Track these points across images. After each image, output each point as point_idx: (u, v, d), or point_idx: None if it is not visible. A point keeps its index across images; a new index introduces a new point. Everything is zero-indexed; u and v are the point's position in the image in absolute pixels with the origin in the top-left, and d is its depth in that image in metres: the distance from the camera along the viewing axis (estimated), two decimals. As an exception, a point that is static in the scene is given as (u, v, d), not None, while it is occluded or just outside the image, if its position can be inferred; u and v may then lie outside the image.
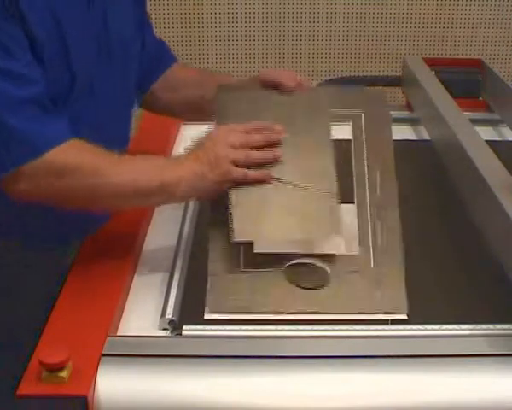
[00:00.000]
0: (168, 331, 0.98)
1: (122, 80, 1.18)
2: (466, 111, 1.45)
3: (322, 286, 1.04)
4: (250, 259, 1.05)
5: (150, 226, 1.25)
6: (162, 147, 1.46)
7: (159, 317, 1.00)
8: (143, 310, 1.03)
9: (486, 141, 1.27)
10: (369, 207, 1.12)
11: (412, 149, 1.51)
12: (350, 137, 1.19)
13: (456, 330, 0.97)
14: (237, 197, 1.06)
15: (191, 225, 1.22)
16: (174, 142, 1.53)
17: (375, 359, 0.90)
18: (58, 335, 0.93)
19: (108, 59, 1.13)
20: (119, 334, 0.98)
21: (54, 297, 1.01)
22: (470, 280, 1.10)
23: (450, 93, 1.53)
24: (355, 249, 1.08)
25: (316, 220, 1.06)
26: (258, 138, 1.09)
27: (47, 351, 0.86)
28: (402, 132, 1.56)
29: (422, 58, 1.80)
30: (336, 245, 1.08)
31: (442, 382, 0.88)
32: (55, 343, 0.89)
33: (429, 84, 1.60)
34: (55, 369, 0.84)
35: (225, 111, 1.16)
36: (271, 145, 1.10)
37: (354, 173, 1.16)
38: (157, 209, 1.28)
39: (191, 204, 1.28)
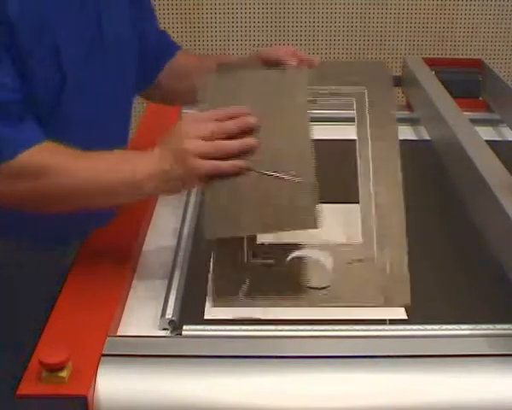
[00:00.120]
0: (168, 331, 0.98)
1: (118, 80, 1.17)
2: (466, 111, 1.45)
3: (326, 287, 1.04)
4: (254, 249, 1.05)
5: (150, 226, 1.25)
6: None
7: (159, 317, 1.00)
8: (143, 310, 1.03)
9: (486, 141, 1.27)
10: (373, 195, 1.10)
11: (412, 149, 1.51)
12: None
13: (456, 330, 0.97)
14: (209, 191, 1.02)
15: (191, 224, 1.22)
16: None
17: (375, 359, 0.90)
18: (58, 335, 0.93)
19: (102, 59, 1.12)
20: (119, 334, 0.98)
21: (54, 297, 1.01)
22: (470, 280, 1.10)
23: (450, 93, 1.53)
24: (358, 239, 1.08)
25: (292, 213, 1.01)
26: (230, 127, 1.01)
27: (47, 351, 0.86)
28: (402, 132, 1.56)
29: (422, 58, 1.80)
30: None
31: (442, 382, 0.88)
32: (55, 343, 0.89)
33: (429, 84, 1.60)
34: (55, 369, 0.84)
35: (205, 96, 1.08)
36: (246, 132, 1.02)
37: (359, 160, 1.13)
38: (157, 209, 1.28)
39: (191, 204, 1.28)
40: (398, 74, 1.81)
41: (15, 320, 1.15)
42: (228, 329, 0.97)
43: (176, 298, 1.03)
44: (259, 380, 0.88)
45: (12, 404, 0.84)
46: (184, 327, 0.97)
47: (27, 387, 0.85)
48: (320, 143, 1.53)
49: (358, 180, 1.12)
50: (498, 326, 0.97)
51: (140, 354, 0.90)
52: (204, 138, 1.00)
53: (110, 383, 0.87)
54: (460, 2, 2.66)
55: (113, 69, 1.15)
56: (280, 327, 0.97)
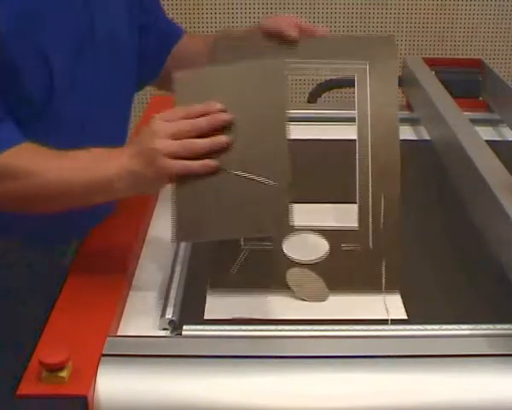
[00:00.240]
0: (168, 331, 0.98)
1: (112, 77, 1.16)
2: (466, 111, 1.45)
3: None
4: None
5: (150, 226, 1.25)
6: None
7: (159, 317, 1.00)
8: (143, 310, 1.03)
9: (486, 141, 1.27)
10: (370, 184, 1.10)
11: (412, 149, 1.51)
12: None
13: (456, 330, 0.97)
14: (179, 192, 0.98)
15: (191, 225, 1.22)
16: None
17: (375, 359, 0.90)
18: (58, 335, 0.93)
19: (94, 56, 1.11)
20: (119, 334, 0.98)
21: (54, 297, 1.01)
22: (470, 280, 1.10)
23: (450, 93, 1.53)
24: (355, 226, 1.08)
25: (263, 218, 0.98)
26: (202, 124, 0.97)
27: (47, 351, 0.86)
28: (402, 132, 1.56)
29: (422, 58, 1.80)
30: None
31: (442, 382, 0.88)
32: (55, 343, 0.89)
33: (429, 84, 1.60)
34: (55, 369, 0.84)
35: (179, 93, 1.04)
36: (218, 130, 0.98)
37: (357, 144, 1.11)
38: (157, 209, 1.28)
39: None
40: (398, 74, 1.81)
41: (15, 320, 1.15)
42: (228, 329, 0.97)
43: (176, 298, 1.03)
44: (259, 380, 0.88)
45: (12, 404, 0.84)
46: (184, 327, 0.97)
47: (27, 387, 0.85)
48: (320, 143, 1.54)
49: (356, 166, 1.11)
50: (498, 326, 0.97)
51: (140, 354, 0.90)
52: (174, 137, 0.96)
53: (110, 383, 0.87)
54: (460, 2, 2.66)
55: (106, 66, 1.14)
56: (280, 327, 0.97)
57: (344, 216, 1.14)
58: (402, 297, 1.05)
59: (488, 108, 1.69)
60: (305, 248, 1.06)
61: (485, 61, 1.77)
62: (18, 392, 0.84)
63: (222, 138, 0.97)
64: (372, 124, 1.11)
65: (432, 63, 1.74)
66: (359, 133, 1.11)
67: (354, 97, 1.13)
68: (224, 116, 0.98)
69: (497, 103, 1.66)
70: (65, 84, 1.08)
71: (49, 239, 1.17)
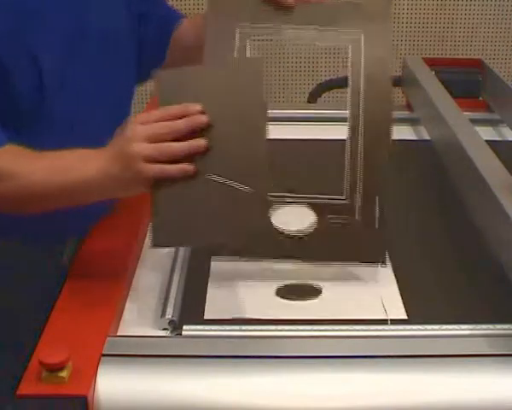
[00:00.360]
0: (168, 331, 0.98)
1: (107, 74, 1.15)
2: (466, 111, 1.45)
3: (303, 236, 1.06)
4: None
5: (150, 226, 1.24)
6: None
7: (159, 317, 1.00)
8: (143, 310, 1.03)
9: (486, 141, 1.27)
10: (359, 154, 1.09)
11: (412, 149, 1.51)
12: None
13: (456, 330, 0.97)
14: (157, 196, 0.96)
15: (191, 225, 1.22)
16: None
17: (375, 359, 0.90)
18: (58, 335, 0.93)
19: (86, 54, 1.10)
20: (119, 334, 0.98)
21: (53, 297, 1.01)
22: (470, 280, 1.10)
23: (450, 93, 1.53)
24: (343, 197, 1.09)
25: (240, 226, 0.96)
26: (179, 126, 0.94)
27: (47, 351, 0.86)
28: (402, 132, 1.56)
29: (422, 58, 1.80)
30: None
31: (442, 382, 0.88)
32: (55, 343, 0.89)
33: (429, 84, 1.60)
34: (55, 369, 0.84)
35: (157, 94, 1.02)
36: (196, 132, 0.95)
37: (349, 112, 1.10)
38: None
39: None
40: (398, 74, 1.82)
41: (15, 320, 1.15)
42: (228, 329, 0.97)
43: (176, 298, 1.03)
44: (259, 380, 0.88)
45: (12, 404, 0.84)
46: (184, 327, 0.97)
47: (27, 387, 0.85)
48: (320, 143, 1.54)
49: (346, 136, 1.10)
50: (498, 326, 0.97)
51: (140, 354, 0.90)
52: (151, 140, 0.94)
53: (110, 383, 0.87)
54: (460, 2, 2.66)
55: (100, 65, 1.13)
56: (280, 327, 0.97)
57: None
58: (402, 297, 1.05)
59: (488, 108, 1.69)
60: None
61: (485, 61, 1.77)
62: (18, 392, 0.84)
63: (200, 142, 0.95)
64: (365, 91, 1.10)
65: (432, 63, 1.74)
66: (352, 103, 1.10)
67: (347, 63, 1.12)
68: (203, 118, 0.95)
69: (497, 103, 1.66)
70: (55, 83, 1.07)
71: (47, 238, 1.17)
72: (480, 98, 1.74)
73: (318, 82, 1.93)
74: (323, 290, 1.06)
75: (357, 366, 0.89)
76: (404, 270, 1.08)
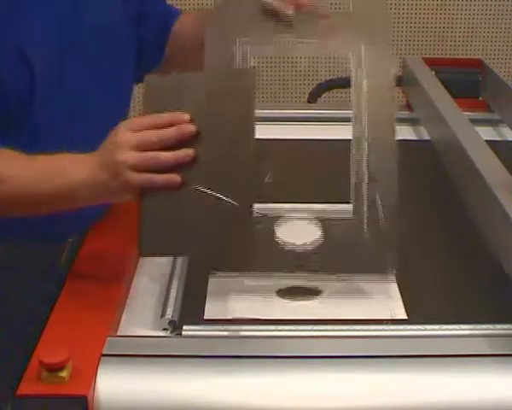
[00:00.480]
0: (168, 331, 0.98)
1: (103, 72, 1.14)
2: (466, 111, 1.45)
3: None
4: None
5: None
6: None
7: (159, 317, 1.00)
8: (143, 310, 1.03)
9: (486, 141, 1.27)
10: (365, 170, 1.07)
11: (412, 149, 1.51)
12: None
13: (456, 330, 0.97)
14: (145, 205, 0.96)
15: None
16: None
17: (375, 359, 0.90)
18: (58, 335, 0.93)
19: (80, 52, 1.10)
20: (119, 334, 0.98)
21: (52, 296, 1.01)
22: (470, 280, 1.10)
23: (450, 93, 1.53)
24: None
25: (226, 239, 0.97)
26: (167, 136, 0.94)
27: (47, 351, 0.86)
28: (402, 132, 1.56)
29: (422, 58, 1.80)
30: None
31: (442, 382, 0.88)
32: (55, 343, 0.89)
33: (429, 84, 1.60)
34: (55, 369, 0.84)
35: (145, 100, 1.00)
36: (185, 141, 0.95)
37: (353, 125, 1.09)
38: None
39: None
40: (398, 74, 1.82)
41: (15, 320, 1.15)
42: (228, 329, 0.97)
43: (176, 298, 1.03)
44: (259, 380, 0.88)
45: (12, 404, 0.84)
46: (184, 327, 0.97)
47: (27, 387, 0.85)
48: (320, 143, 1.54)
49: (351, 152, 1.09)
50: (498, 326, 0.97)
51: (140, 354, 0.90)
52: (138, 149, 0.94)
53: (110, 383, 0.87)
54: (460, 2, 2.66)
55: (94, 61, 1.13)
56: (280, 327, 0.97)
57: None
58: (402, 297, 1.05)
59: (488, 108, 1.69)
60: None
61: (485, 61, 1.77)
62: (18, 392, 0.84)
63: (187, 152, 0.94)
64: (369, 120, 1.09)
65: (432, 63, 1.74)
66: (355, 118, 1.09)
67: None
68: (191, 128, 0.95)
69: (497, 103, 1.66)
70: (48, 85, 1.07)
71: (46, 238, 1.17)
72: (480, 98, 1.74)
73: (318, 82, 1.93)
74: (323, 291, 1.06)
75: (357, 365, 0.89)
76: (404, 270, 1.08)
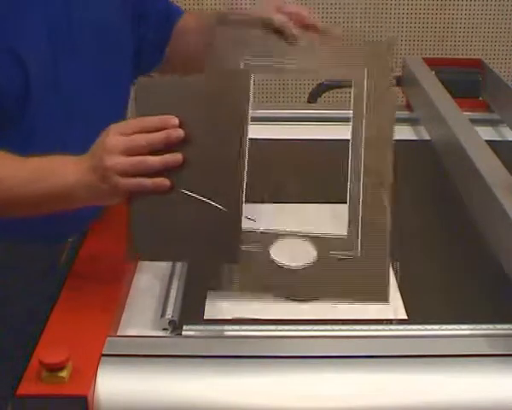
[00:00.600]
0: (168, 331, 0.98)
1: (102, 74, 1.14)
2: (466, 111, 1.45)
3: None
4: None
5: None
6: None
7: (159, 317, 1.00)
8: (143, 310, 1.03)
9: (486, 141, 1.27)
10: (361, 191, 1.07)
11: (412, 149, 1.51)
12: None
13: (456, 330, 0.97)
14: (134, 209, 0.96)
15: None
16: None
17: (375, 359, 0.90)
18: (58, 335, 0.93)
19: (75, 53, 1.10)
20: (119, 334, 0.98)
21: (52, 296, 1.01)
22: (470, 280, 1.10)
23: (450, 93, 1.53)
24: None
25: (214, 245, 0.97)
26: (156, 140, 0.94)
27: (47, 351, 0.86)
28: (402, 132, 1.56)
29: (422, 58, 1.80)
30: None
31: (442, 382, 0.88)
32: (55, 343, 0.89)
33: (429, 84, 1.60)
34: (55, 369, 0.84)
35: (136, 103, 1.00)
36: (174, 145, 0.94)
37: (350, 153, 1.10)
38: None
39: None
40: (398, 74, 1.82)
41: (15, 320, 1.15)
42: (228, 329, 0.97)
43: (176, 298, 1.03)
44: (259, 380, 0.88)
45: (12, 404, 0.84)
46: (184, 327, 0.97)
47: (27, 387, 0.85)
48: (320, 143, 1.54)
49: (348, 176, 1.09)
50: (498, 326, 0.97)
51: (140, 354, 0.90)
52: (126, 153, 0.93)
53: (110, 383, 0.87)
54: (460, 2, 2.66)
55: (91, 61, 1.13)
56: (280, 327, 0.97)
57: (337, 219, 1.13)
58: (402, 297, 1.04)
59: (488, 108, 1.69)
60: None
61: (485, 61, 1.77)
62: (18, 392, 0.84)
63: (176, 156, 0.94)
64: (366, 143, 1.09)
65: (432, 63, 1.74)
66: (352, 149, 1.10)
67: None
68: (180, 132, 0.94)
69: (497, 103, 1.66)
70: (43, 85, 1.06)
71: (46, 238, 1.17)
72: (480, 98, 1.74)
73: (318, 82, 1.93)
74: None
75: (358, 365, 0.89)
76: (404, 270, 1.08)
